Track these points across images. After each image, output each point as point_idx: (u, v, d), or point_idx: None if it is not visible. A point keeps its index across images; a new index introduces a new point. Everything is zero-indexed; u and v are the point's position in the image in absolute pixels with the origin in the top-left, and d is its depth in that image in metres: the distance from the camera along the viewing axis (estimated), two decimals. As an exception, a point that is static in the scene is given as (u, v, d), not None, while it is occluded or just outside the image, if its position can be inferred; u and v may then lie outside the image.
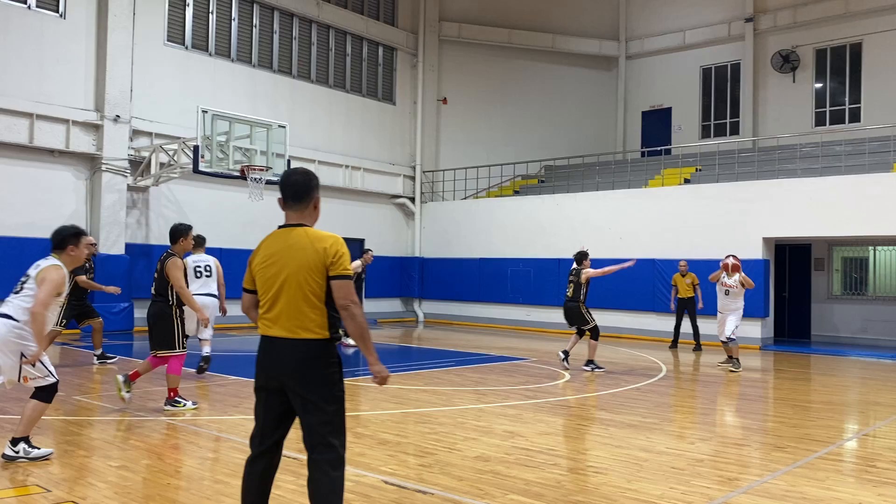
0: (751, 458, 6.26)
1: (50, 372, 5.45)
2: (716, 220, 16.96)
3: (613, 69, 25.82)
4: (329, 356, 3.47)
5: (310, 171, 3.72)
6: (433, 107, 23.52)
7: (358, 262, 13.80)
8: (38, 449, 5.44)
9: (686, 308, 15.41)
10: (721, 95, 23.86)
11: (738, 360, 12.47)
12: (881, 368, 13.19)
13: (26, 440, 5.39)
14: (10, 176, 14.81)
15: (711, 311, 15.52)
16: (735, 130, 23.25)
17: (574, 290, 11.95)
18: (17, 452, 5.35)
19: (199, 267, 10.24)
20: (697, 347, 15.33)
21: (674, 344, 15.66)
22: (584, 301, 11.94)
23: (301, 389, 3.40)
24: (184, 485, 4.97)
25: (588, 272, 11.94)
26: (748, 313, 16.23)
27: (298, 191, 3.59)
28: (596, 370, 11.54)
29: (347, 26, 21.44)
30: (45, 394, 5.42)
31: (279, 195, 3.65)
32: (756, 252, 16.44)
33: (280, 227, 3.60)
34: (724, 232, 16.69)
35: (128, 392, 7.55)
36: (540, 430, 6.97)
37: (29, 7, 15.19)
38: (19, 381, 5.36)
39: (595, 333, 11.91)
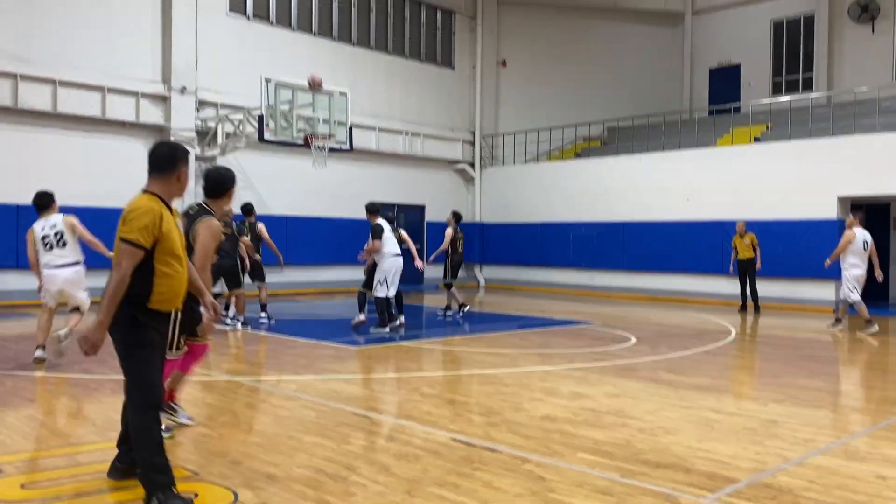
0: (827, 419, 6.08)
1: None
2: (788, 179, 16.37)
3: (679, 25, 25.00)
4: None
5: (176, 145, 4.10)
6: (492, 70, 23.25)
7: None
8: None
9: (746, 269, 14.99)
10: (793, 50, 22.88)
11: (838, 319, 12.25)
12: (966, 331, 12.60)
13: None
14: (85, 148, 15.35)
15: (769, 272, 15.21)
16: (808, 86, 22.29)
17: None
18: None
19: (46, 236, 8.26)
20: (756, 310, 14.93)
21: (743, 307, 15.28)
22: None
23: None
24: (259, 441, 5.12)
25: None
26: (822, 274, 15.77)
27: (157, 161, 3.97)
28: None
29: (405, -9, 21.29)
30: None
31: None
32: (830, 212, 15.83)
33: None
34: (797, 191, 16.12)
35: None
36: (607, 391, 6.92)
37: (97, -18, 15.56)
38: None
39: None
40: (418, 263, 11.93)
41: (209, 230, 5.08)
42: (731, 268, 15.26)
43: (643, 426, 5.61)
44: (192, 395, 6.59)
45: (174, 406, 5.44)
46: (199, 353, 5.51)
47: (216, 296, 11.50)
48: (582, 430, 5.45)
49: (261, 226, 12.02)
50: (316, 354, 9.17)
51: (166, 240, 3.83)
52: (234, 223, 11.18)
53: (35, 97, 14.61)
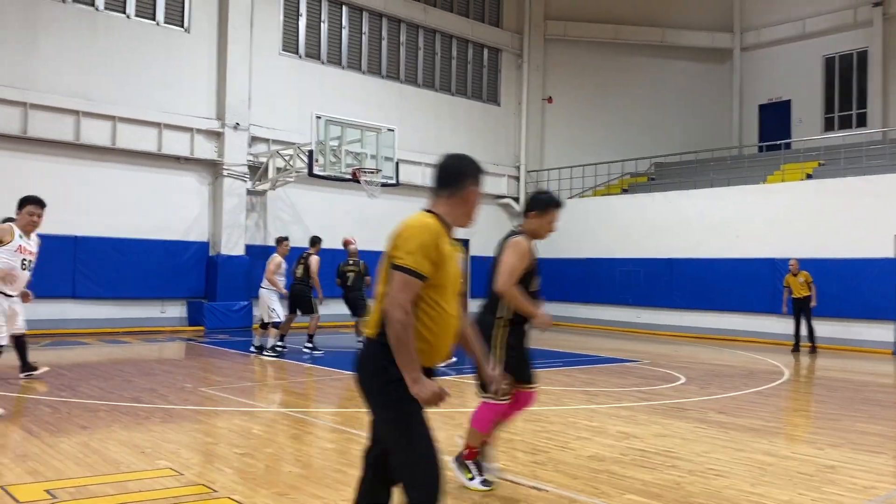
0: (888, 465, 5.84)
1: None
2: (842, 216, 16.00)
3: (727, 62, 24.84)
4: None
5: (466, 158, 3.21)
6: (538, 106, 23.38)
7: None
8: None
9: (801, 308, 14.59)
10: (846, 86, 22.50)
11: None
12: None
13: None
14: (140, 182, 15.83)
15: (823, 312, 14.77)
16: (862, 122, 21.86)
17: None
18: None
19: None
20: (813, 350, 14.49)
21: (795, 347, 14.85)
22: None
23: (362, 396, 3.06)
24: (304, 472, 5.13)
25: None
26: (879, 315, 15.27)
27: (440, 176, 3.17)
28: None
29: (453, 30, 21.64)
30: None
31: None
32: (887, 250, 15.38)
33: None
34: (851, 229, 15.73)
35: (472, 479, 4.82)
36: (655, 431, 6.77)
37: (158, 24, 16.20)
38: None
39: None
40: None
41: (515, 248, 4.64)
42: (785, 307, 14.87)
43: (693, 468, 5.47)
44: (238, 425, 6.66)
45: (479, 462, 4.80)
46: (524, 401, 4.88)
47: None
48: (630, 471, 5.34)
49: (311, 259, 12.28)
50: (360, 388, 9.19)
51: (440, 270, 2.95)
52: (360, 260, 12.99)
53: (95, 133, 15.17)
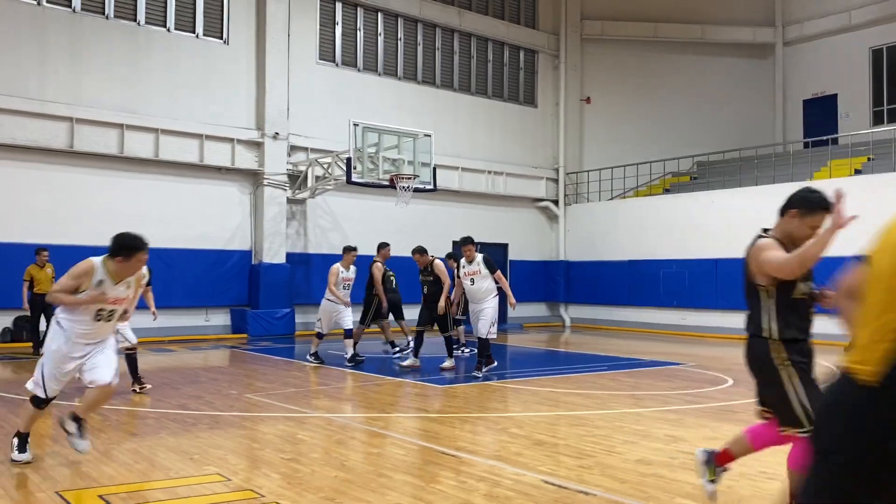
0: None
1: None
2: (893, 212, 15.50)
3: (770, 57, 24.35)
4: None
5: None
6: (576, 107, 23.20)
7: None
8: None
9: None
10: (895, 78, 21.85)
11: None
12: None
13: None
14: (183, 193, 16.11)
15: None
16: (912, 114, 21.22)
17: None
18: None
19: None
20: None
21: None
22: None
23: None
24: (350, 477, 5.13)
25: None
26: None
27: None
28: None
29: (488, 32, 21.61)
30: None
31: None
32: (943, 246, 14.85)
33: None
34: (904, 225, 15.23)
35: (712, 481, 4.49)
36: (704, 434, 6.63)
37: (197, 36, 16.49)
38: None
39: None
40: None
41: (767, 247, 4.07)
42: None
43: (744, 471, 5.32)
44: (283, 430, 6.70)
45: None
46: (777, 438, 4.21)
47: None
48: (679, 475, 5.22)
49: (373, 267, 12.46)
50: (402, 392, 9.19)
51: None
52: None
53: (139, 145, 15.49)
